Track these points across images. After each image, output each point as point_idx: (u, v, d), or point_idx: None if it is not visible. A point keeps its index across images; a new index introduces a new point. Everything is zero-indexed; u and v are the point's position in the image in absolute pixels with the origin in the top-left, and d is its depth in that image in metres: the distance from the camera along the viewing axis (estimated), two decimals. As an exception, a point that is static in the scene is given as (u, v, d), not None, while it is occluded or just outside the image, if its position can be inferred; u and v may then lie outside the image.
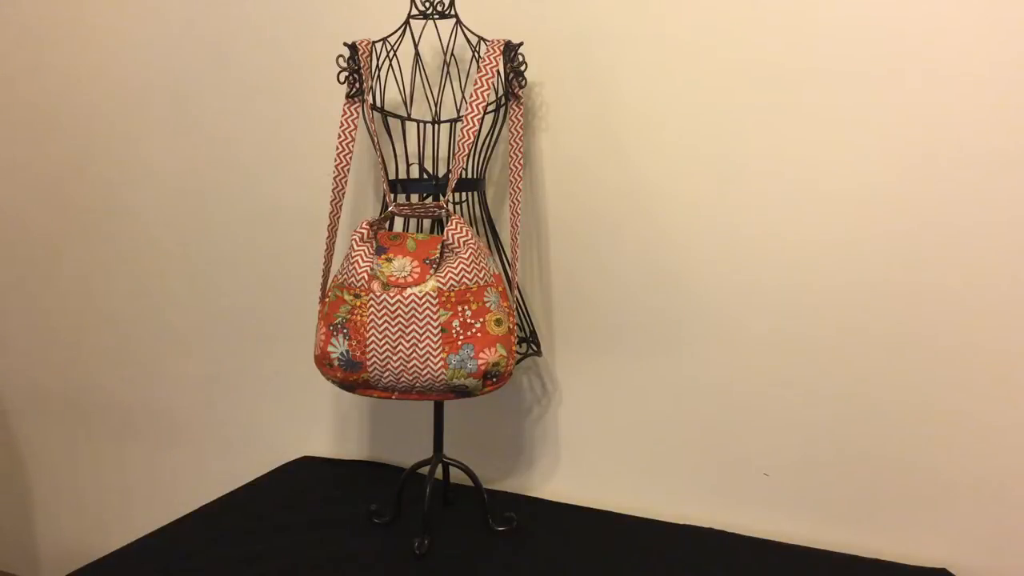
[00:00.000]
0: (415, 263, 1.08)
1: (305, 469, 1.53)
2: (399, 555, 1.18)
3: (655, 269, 1.29)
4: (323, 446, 1.60)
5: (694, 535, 1.25)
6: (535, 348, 1.32)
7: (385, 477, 1.45)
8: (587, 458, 1.39)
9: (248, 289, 1.62)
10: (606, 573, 1.13)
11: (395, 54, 1.24)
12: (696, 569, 1.14)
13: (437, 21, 1.25)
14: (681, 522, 1.28)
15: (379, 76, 1.24)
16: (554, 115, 1.32)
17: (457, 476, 1.38)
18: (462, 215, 1.24)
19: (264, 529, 1.25)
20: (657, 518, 1.30)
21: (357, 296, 1.10)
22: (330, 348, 1.11)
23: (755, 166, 1.21)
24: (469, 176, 1.24)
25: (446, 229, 1.09)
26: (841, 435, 1.21)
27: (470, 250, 1.09)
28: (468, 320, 1.08)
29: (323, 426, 1.60)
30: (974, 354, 1.13)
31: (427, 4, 1.22)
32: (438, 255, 1.09)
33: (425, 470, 1.26)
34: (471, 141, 1.10)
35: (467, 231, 1.10)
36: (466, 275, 1.08)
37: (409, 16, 1.22)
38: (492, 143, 1.26)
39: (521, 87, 1.21)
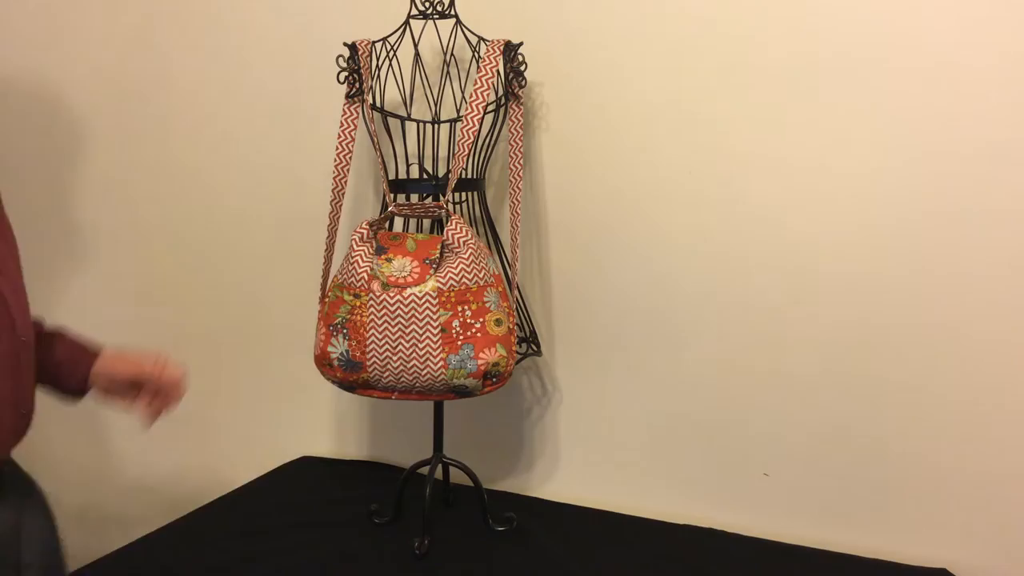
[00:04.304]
0: (415, 263, 1.08)
1: (305, 469, 1.53)
2: (399, 555, 1.18)
3: (655, 269, 1.29)
4: (323, 446, 1.60)
5: (694, 535, 1.25)
6: (535, 348, 1.32)
7: (385, 477, 1.45)
8: (587, 458, 1.39)
9: (248, 289, 1.62)
10: (606, 573, 1.13)
11: (395, 54, 1.24)
12: (696, 569, 1.14)
13: (437, 21, 1.25)
14: (681, 522, 1.28)
15: (379, 76, 1.24)
16: (554, 115, 1.31)
17: (457, 476, 1.37)
18: (462, 215, 1.24)
19: (264, 529, 1.25)
20: (657, 518, 1.30)
21: (357, 296, 1.10)
22: (330, 348, 1.11)
23: (755, 166, 1.21)
24: (469, 176, 1.24)
25: (446, 229, 1.09)
26: (841, 435, 1.21)
27: (470, 250, 1.09)
28: (468, 320, 1.08)
29: (323, 426, 1.60)
30: (974, 354, 1.13)
31: (427, 4, 1.21)
32: (438, 255, 1.09)
33: (425, 470, 1.26)
34: (471, 141, 1.10)
35: (467, 231, 1.10)
36: (466, 275, 1.08)
37: (409, 16, 1.23)
38: (492, 143, 1.26)
39: (521, 87, 1.21)
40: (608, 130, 1.29)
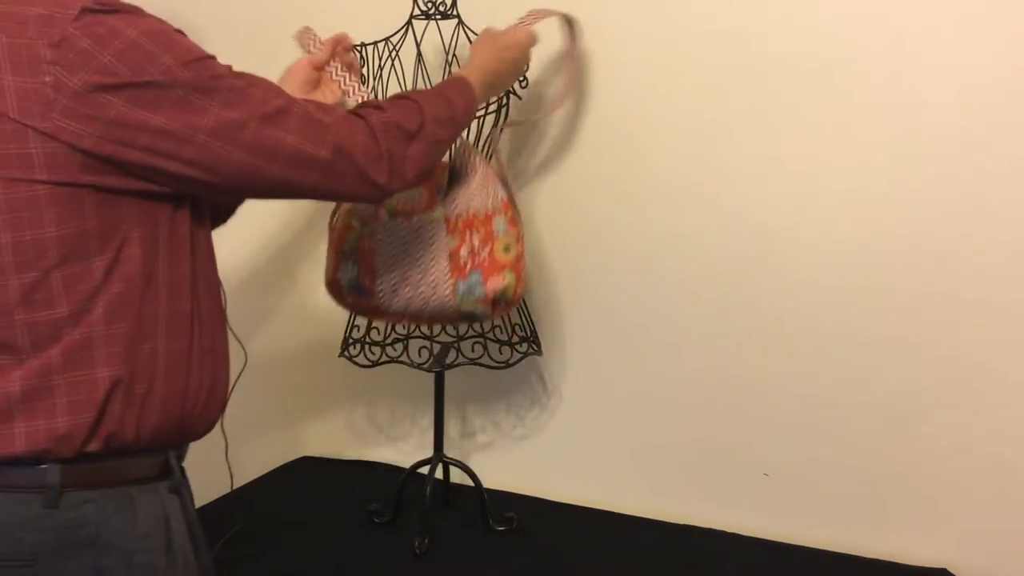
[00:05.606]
0: (423, 190, 1.07)
1: (305, 469, 1.53)
2: (399, 555, 1.17)
3: (656, 269, 1.29)
4: (323, 446, 1.60)
5: (694, 535, 1.25)
6: (535, 348, 1.32)
7: (385, 477, 1.44)
8: (587, 458, 1.39)
9: (247, 288, 1.61)
10: (606, 573, 1.14)
11: (397, 54, 1.24)
12: (696, 569, 1.15)
13: (439, 22, 1.25)
14: (681, 522, 1.28)
15: (381, 76, 1.25)
16: (554, 114, 1.31)
17: (457, 476, 1.37)
18: None
19: (264, 529, 1.25)
20: (657, 518, 1.30)
21: (365, 223, 1.08)
22: (339, 275, 1.10)
23: (758, 166, 1.21)
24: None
25: (454, 155, 1.08)
26: (841, 435, 1.21)
27: (478, 176, 1.07)
28: (476, 247, 1.06)
29: (323, 426, 1.60)
30: (975, 356, 1.13)
31: (429, 4, 1.22)
32: (445, 182, 1.08)
33: (425, 470, 1.26)
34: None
35: (475, 157, 1.08)
36: (474, 202, 1.07)
37: (412, 16, 1.23)
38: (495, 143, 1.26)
39: (523, 87, 1.21)
40: (609, 129, 1.29)
